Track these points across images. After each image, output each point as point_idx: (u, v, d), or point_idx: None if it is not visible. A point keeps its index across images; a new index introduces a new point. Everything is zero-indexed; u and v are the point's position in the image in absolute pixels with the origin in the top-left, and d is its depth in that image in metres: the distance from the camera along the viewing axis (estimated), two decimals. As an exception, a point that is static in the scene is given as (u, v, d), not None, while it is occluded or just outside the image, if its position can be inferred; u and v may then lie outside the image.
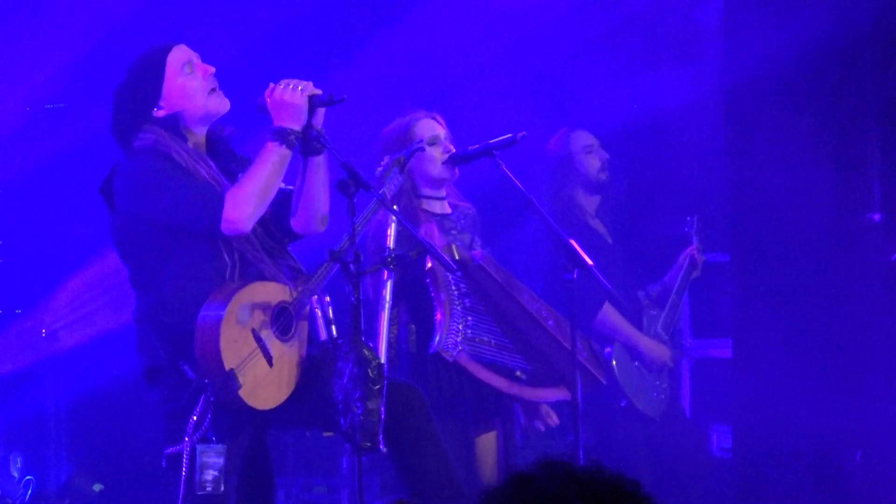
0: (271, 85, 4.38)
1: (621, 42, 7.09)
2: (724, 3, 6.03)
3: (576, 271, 4.99)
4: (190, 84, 4.42)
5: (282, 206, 4.49)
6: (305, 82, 4.38)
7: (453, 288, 5.24)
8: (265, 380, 4.35)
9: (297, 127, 4.33)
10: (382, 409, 4.14)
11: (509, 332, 5.34)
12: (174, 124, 4.41)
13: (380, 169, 5.04)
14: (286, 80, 4.38)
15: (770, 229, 5.95)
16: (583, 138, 6.58)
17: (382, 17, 7.02)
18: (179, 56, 4.44)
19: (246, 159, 4.50)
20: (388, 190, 4.90)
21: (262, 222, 4.43)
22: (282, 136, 4.32)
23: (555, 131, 6.65)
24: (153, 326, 4.40)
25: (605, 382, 5.50)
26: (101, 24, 6.78)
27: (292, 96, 4.32)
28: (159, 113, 4.41)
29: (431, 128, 5.43)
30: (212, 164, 4.42)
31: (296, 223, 4.51)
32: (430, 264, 5.18)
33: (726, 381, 6.52)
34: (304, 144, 4.39)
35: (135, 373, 4.52)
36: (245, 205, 4.28)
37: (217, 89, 4.46)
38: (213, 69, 4.45)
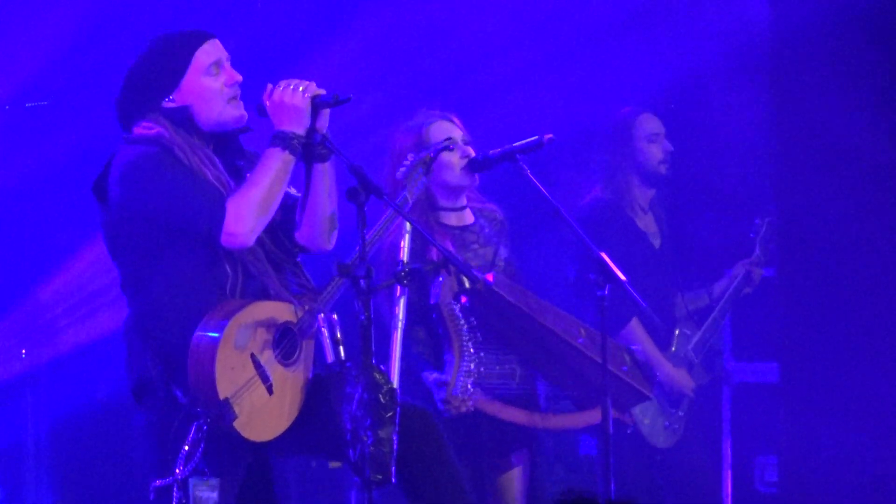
0: (270, 86, 4.31)
1: (655, 25, 7.08)
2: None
3: (607, 287, 4.86)
4: (211, 86, 4.33)
5: (291, 213, 4.43)
6: (307, 82, 4.31)
7: (462, 322, 5.14)
8: (263, 409, 4.26)
9: (299, 131, 4.27)
10: (395, 438, 4.06)
11: (535, 358, 5.23)
12: (182, 118, 4.32)
13: (402, 169, 4.95)
14: (286, 81, 4.30)
15: (821, 241, 5.90)
16: (650, 124, 6.47)
17: (391, 8, 7.02)
18: (210, 53, 4.35)
19: (254, 155, 4.43)
20: (410, 194, 4.83)
21: (269, 229, 4.35)
22: (284, 140, 4.25)
23: (582, 127, 6.53)
24: (143, 337, 4.29)
25: (651, 396, 5.43)
26: (84, 21, 6.71)
27: (293, 97, 4.25)
28: (169, 104, 4.33)
29: (447, 130, 5.32)
30: (218, 163, 4.34)
31: (301, 236, 4.44)
32: (435, 299, 5.09)
33: (771, 409, 6.47)
34: (308, 150, 4.32)
35: (123, 393, 4.45)
36: (247, 217, 4.22)
37: (237, 99, 4.36)
38: (239, 77, 4.35)
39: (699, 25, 7.08)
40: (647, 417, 6.21)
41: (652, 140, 6.40)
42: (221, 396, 4.13)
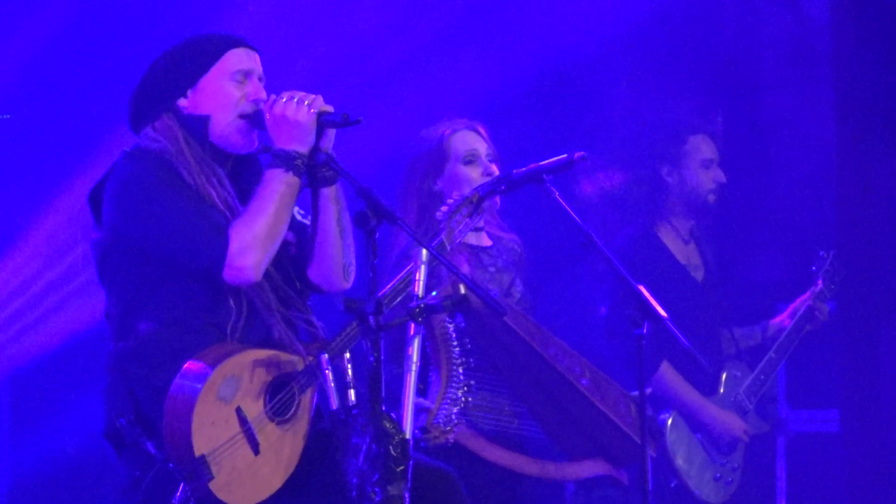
0: (272, 97, 4.22)
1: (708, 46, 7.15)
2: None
3: (646, 325, 4.78)
4: (228, 93, 4.30)
5: (305, 245, 4.38)
6: (313, 96, 4.24)
7: (454, 343, 5.11)
8: (247, 471, 4.17)
9: (302, 150, 4.21)
10: (406, 495, 3.94)
11: (530, 393, 5.18)
12: (198, 128, 4.30)
13: (444, 209, 4.88)
14: (289, 92, 4.24)
15: (887, 275, 5.99)
16: (706, 148, 6.45)
17: (410, 14, 7.09)
18: (242, 59, 4.33)
19: None
20: (448, 239, 4.77)
21: (279, 264, 4.30)
22: (286, 161, 4.20)
23: (616, 148, 6.47)
24: (121, 378, 4.22)
25: (654, 455, 5.34)
26: (48, 32, 6.83)
27: (297, 112, 4.20)
28: (184, 104, 4.30)
29: (470, 141, 5.34)
30: (227, 184, 4.29)
31: (314, 273, 4.38)
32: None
33: (831, 462, 6.53)
34: (312, 173, 4.27)
35: (96, 445, 4.42)
36: (252, 249, 4.15)
37: (252, 121, 4.30)
38: (264, 97, 4.29)
39: (752, 33, 7.10)
40: (694, 469, 6.16)
41: (706, 166, 6.39)
42: (197, 453, 4.06)
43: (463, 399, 5.10)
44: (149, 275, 4.21)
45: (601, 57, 7.12)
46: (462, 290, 4.94)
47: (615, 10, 7.08)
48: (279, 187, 4.17)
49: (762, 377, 6.40)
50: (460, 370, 5.10)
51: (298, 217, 4.37)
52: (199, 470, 4.05)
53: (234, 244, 4.13)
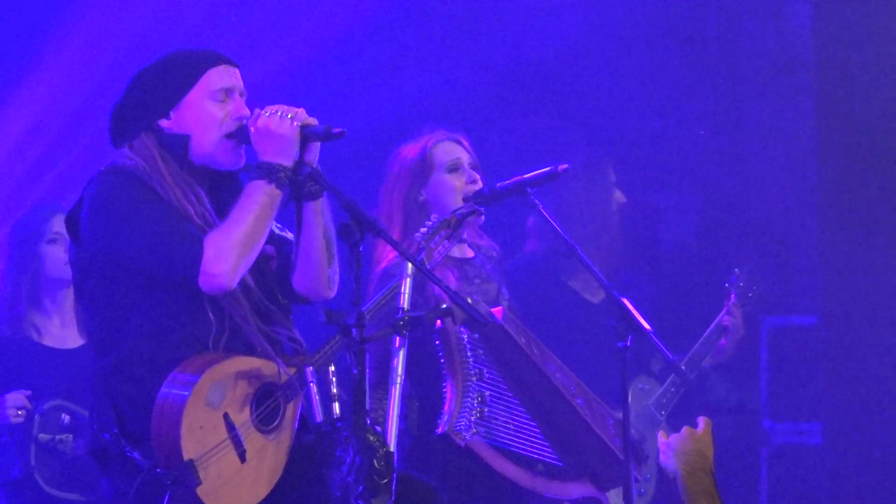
0: (256, 111, 4.20)
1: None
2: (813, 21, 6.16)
3: (629, 337, 4.78)
4: (211, 113, 4.26)
5: (288, 260, 4.35)
6: (297, 109, 4.22)
7: (469, 355, 5.06)
8: (233, 478, 4.15)
9: (286, 162, 4.18)
10: None
11: (531, 409, 5.15)
12: (177, 147, 4.27)
13: (423, 230, 4.87)
14: (273, 106, 4.21)
15: (868, 286, 5.97)
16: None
17: (395, 25, 7.06)
18: (223, 77, 4.30)
19: None
20: (428, 258, 4.76)
21: (259, 279, 4.28)
22: (269, 172, 4.16)
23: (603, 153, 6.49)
24: (106, 394, 4.21)
25: (639, 479, 5.34)
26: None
27: (280, 125, 4.17)
28: (166, 124, 4.27)
29: (453, 150, 5.31)
30: (206, 200, 4.27)
31: (299, 285, 4.36)
32: (439, 323, 4.98)
33: (813, 474, 6.57)
34: (296, 187, 4.25)
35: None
36: (227, 256, 4.12)
37: (237, 138, 4.27)
38: (247, 114, 4.27)
39: (735, 44, 7.12)
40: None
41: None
42: (186, 457, 4.04)
43: (479, 409, 5.07)
44: (128, 290, 4.19)
45: (582, 67, 7.10)
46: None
47: (597, 22, 7.07)
48: (260, 198, 4.14)
49: (673, 389, 6.32)
50: (474, 380, 5.07)
51: (277, 231, 4.35)
52: (186, 475, 4.03)
53: (210, 251, 4.10)
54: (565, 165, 5.00)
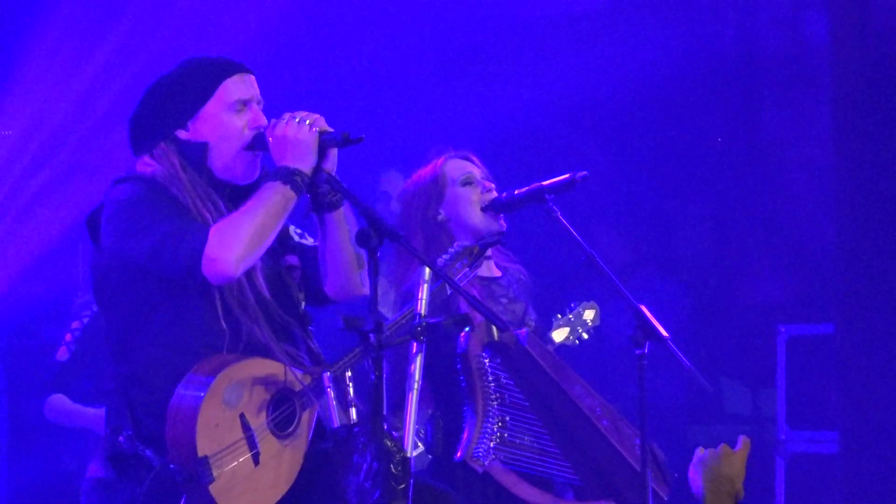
0: (273, 121, 4.19)
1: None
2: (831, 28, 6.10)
3: (647, 345, 4.68)
4: (231, 123, 4.25)
5: (314, 267, 4.34)
6: (315, 115, 4.21)
7: (490, 379, 5.01)
8: (246, 480, 4.12)
9: (304, 168, 4.16)
10: None
11: (554, 432, 5.10)
12: (196, 156, 4.26)
13: (445, 257, 4.79)
14: (291, 113, 4.20)
15: (886, 295, 5.95)
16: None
17: (411, 37, 7.04)
18: (239, 87, 4.27)
19: None
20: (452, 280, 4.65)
21: (277, 289, 4.26)
22: (286, 176, 4.15)
23: (625, 170, 6.46)
24: (124, 402, 4.19)
25: (666, 499, 5.22)
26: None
27: (298, 131, 4.16)
28: (182, 134, 4.26)
29: (464, 166, 5.26)
30: (223, 208, 4.23)
31: (331, 289, 4.36)
32: (463, 347, 4.96)
33: (830, 483, 6.55)
34: (315, 196, 4.24)
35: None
36: (233, 243, 4.08)
37: (256, 149, 4.25)
38: (264, 123, 4.25)
39: (751, 54, 7.11)
40: None
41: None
42: (200, 454, 4.01)
43: (499, 434, 5.03)
44: (143, 297, 4.18)
45: (596, 78, 7.10)
46: (496, 334, 4.91)
47: (613, 35, 7.07)
48: (274, 196, 4.12)
49: None
50: (496, 405, 5.01)
51: (297, 238, 4.35)
52: (200, 471, 4.01)
53: (215, 237, 4.07)
54: (584, 173, 4.96)
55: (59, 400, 6.01)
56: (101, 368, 5.57)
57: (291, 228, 4.40)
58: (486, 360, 5.03)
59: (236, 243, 4.06)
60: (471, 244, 4.83)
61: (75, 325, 6.06)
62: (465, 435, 5.01)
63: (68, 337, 6.04)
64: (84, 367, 6.01)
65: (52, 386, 6.03)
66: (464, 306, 4.77)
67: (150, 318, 4.18)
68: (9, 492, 7.03)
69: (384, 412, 3.93)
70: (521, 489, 5.02)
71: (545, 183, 4.97)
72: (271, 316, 4.24)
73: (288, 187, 4.13)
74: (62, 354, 6.04)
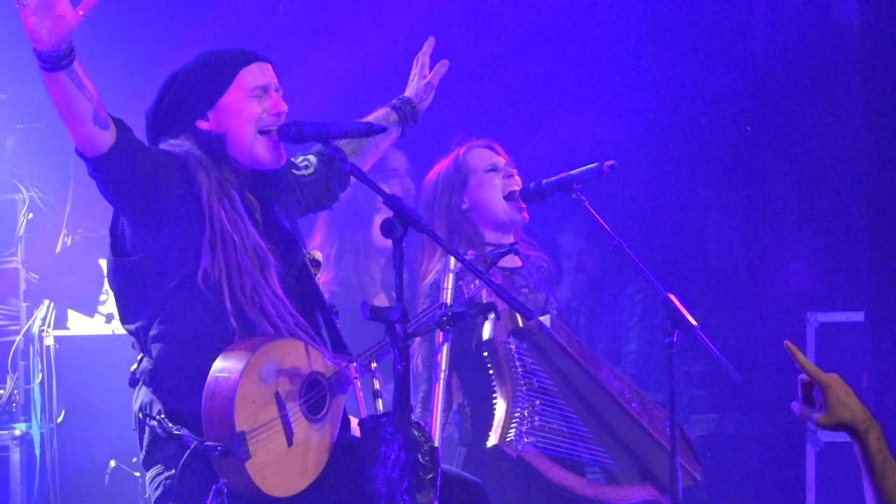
0: None
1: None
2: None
3: (676, 333, 4.70)
4: (249, 110, 4.27)
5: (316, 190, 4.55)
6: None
7: (517, 364, 5.04)
8: (280, 460, 4.11)
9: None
10: (436, 503, 3.93)
11: (584, 416, 5.12)
12: (215, 146, 4.26)
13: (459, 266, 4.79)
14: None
15: None
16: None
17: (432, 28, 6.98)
18: (256, 75, 4.30)
19: (292, 201, 4.45)
20: (467, 289, 4.65)
21: (293, 286, 4.26)
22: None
23: (655, 159, 6.42)
24: (152, 392, 4.21)
25: (699, 479, 5.26)
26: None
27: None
28: (202, 125, 4.26)
29: (487, 155, 5.30)
30: (240, 206, 4.24)
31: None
32: (487, 334, 4.98)
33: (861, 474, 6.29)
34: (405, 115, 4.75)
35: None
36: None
37: (275, 134, 4.26)
38: (285, 109, 4.29)
39: (783, 41, 7.07)
40: None
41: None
42: (238, 429, 4.01)
43: (529, 419, 5.02)
44: (153, 288, 4.18)
45: (629, 63, 7.06)
46: (520, 321, 4.95)
47: (645, 19, 7.04)
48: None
49: None
50: (524, 390, 5.04)
51: (295, 173, 4.50)
52: (237, 447, 4.00)
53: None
54: (611, 162, 4.94)
55: None
56: None
57: (293, 169, 4.50)
58: (513, 346, 5.01)
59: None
60: (484, 254, 4.84)
61: None
62: (496, 421, 4.99)
63: None
64: None
65: None
66: (487, 298, 4.74)
67: (160, 310, 4.17)
68: (42, 484, 7.02)
69: (411, 402, 3.95)
70: (555, 473, 5.05)
71: (573, 172, 4.97)
72: (294, 299, 4.24)
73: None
74: None
